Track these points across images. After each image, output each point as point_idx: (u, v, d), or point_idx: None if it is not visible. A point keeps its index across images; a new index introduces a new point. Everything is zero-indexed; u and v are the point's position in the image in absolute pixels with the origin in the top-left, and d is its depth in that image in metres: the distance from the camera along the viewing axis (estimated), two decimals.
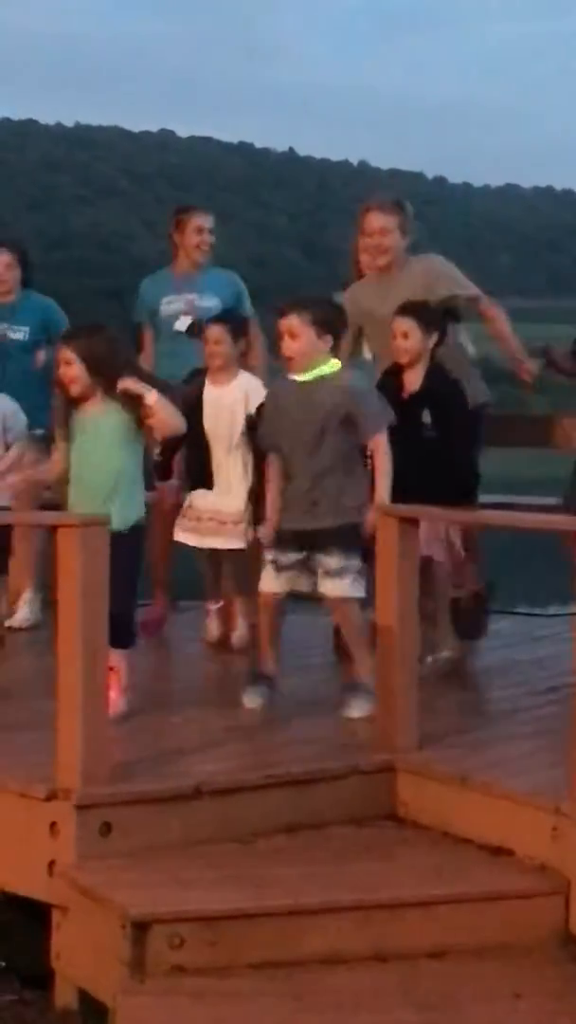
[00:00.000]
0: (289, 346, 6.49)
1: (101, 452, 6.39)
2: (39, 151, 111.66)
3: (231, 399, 7.67)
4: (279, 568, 6.53)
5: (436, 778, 5.81)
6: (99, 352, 6.33)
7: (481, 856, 5.46)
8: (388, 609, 6.03)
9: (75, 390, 6.37)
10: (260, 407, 7.29)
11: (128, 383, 6.27)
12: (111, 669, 5.90)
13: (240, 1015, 4.68)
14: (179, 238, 8.56)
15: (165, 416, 6.31)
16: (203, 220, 8.58)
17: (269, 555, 6.58)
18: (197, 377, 7.82)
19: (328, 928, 5.02)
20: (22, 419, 7.66)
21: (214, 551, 7.82)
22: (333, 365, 6.57)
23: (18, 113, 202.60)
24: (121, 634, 6.00)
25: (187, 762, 5.95)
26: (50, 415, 6.94)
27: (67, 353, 6.40)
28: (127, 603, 6.22)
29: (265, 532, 6.70)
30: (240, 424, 7.62)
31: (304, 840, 5.59)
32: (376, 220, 7.66)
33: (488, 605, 8.06)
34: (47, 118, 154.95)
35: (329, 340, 6.55)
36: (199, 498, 7.71)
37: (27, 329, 8.56)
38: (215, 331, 7.72)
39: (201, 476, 7.70)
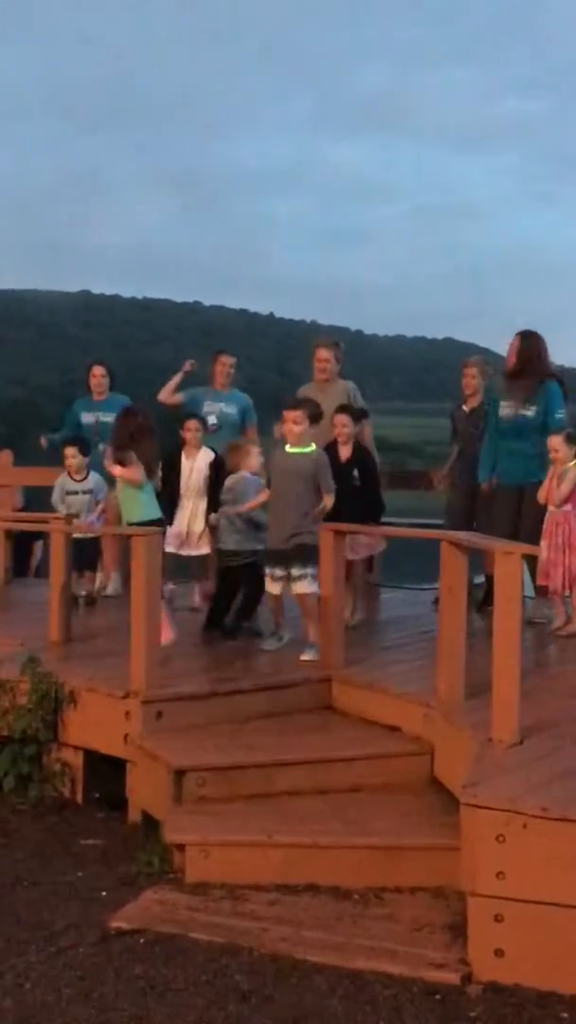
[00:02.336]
0: (292, 428, 6.36)
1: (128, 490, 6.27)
2: (122, 313, 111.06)
3: (198, 466, 7.53)
4: (274, 579, 6.36)
5: (355, 685, 5.78)
6: (124, 432, 6.27)
7: (382, 731, 5.43)
8: (327, 585, 6.00)
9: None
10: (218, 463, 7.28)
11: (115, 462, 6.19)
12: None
13: (239, 825, 4.64)
14: (214, 368, 8.54)
15: (127, 475, 6.15)
16: (228, 359, 8.56)
17: (268, 570, 6.37)
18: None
19: (291, 774, 4.99)
20: (104, 487, 7.79)
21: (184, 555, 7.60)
22: (311, 444, 6.44)
23: (108, 290, 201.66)
24: None
25: (206, 675, 5.92)
26: None
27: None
28: None
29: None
30: (202, 481, 7.46)
31: (276, 722, 5.55)
32: (323, 352, 7.79)
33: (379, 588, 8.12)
34: (126, 293, 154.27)
35: (313, 427, 6.50)
36: (177, 525, 7.46)
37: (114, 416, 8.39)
38: (191, 423, 7.63)
39: (173, 512, 7.44)
